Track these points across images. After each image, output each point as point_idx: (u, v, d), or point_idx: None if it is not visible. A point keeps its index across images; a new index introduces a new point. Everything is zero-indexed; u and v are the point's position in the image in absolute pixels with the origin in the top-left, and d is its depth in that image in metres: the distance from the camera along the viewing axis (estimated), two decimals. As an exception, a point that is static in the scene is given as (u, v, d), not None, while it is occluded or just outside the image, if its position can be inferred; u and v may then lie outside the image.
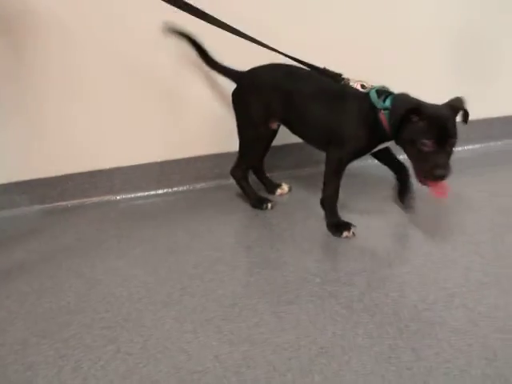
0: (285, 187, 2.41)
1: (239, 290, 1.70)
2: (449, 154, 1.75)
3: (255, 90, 2.10)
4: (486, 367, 1.34)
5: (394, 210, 2.15)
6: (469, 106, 1.80)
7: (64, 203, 2.47)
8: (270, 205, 2.26)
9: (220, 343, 1.49)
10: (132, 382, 1.38)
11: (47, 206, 2.48)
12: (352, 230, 1.97)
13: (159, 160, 2.49)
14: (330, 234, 1.99)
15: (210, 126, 2.47)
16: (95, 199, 2.49)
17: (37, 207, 2.46)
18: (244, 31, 1.88)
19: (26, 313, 1.69)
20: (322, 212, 2.05)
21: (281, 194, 2.40)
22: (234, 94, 2.17)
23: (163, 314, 1.62)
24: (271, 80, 2.07)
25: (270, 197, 2.36)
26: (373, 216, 2.11)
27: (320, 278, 1.74)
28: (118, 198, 2.49)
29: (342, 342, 1.46)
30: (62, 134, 2.38)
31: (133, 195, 2.50)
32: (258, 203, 2.27)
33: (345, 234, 1.97)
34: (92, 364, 1.45)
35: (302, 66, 1.96)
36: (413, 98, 1.79)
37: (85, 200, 2.49)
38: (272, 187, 2.42)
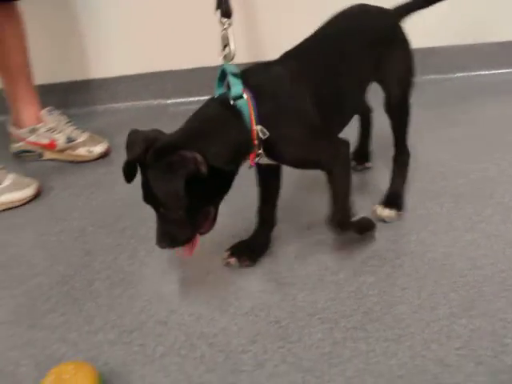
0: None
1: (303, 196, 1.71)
2: (165, 217, 1.16)
3: None
4: (542, 278, 1.34)
5: (447, 125, 2.09)
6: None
7: (116, 105, 2.48)
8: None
9: (272, 240, 1.50)
10: (185, 271, 1.42)
11: (99, 107, 2.49)
12: None
13: (213, 65, 2.44)
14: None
15: (265, 33, 2.40)
16: (146, 102, 2.48)
17: (88, 108, 2.47)
18: None
19: (82, 204, 1.74)
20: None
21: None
22: None
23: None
24: None
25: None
26: (425, 131, 2.06)
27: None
28: (168, 102, 2.48)
29: (395, 247, 1.47)
30: (116, 35, 2.36)
31: (184, 100, 2.48)
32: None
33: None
34: (147, 253, 1.49)
35: None
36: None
37: (136, 103, 2.48)
38: None
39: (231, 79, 1.17)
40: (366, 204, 1.61)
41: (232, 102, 1.15)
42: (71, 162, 1.99)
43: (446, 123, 2.11)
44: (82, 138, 2.00)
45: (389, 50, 1.45)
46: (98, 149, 2.00)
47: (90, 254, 1.51)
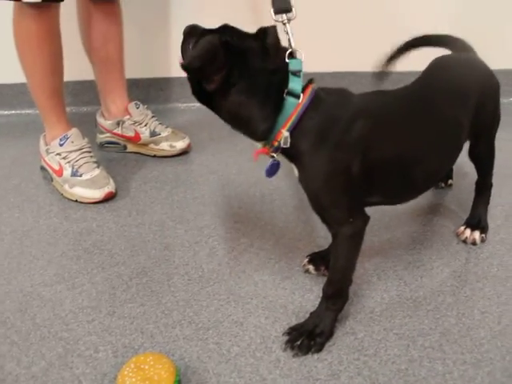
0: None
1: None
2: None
3: None
4: None
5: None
6: None
7: (197, 104, 2.39)
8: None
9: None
10: (263, 274, 1.44)
11: (180, 105, 2.53)
12: None
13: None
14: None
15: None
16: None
17: (170, 105, 2.52)
18: None
19: (163, 199, 1.78)
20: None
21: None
22: None
23: (295, 218, 1.65)
24: None
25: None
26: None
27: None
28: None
29: (476, 270, 1.44)
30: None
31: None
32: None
33: None
34: (226, 253, 1.52)
35: None
36: None
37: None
38: None
39: (290, 77, 1.07)
40: (445, 223, 1.59)
41: (284, 96, 1.07)
42: (153, 156, 2.04)
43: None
44: (165, 132, 2.04)
45: (484, 106, 1.35)
46: (180, 144, 2.04)
47: (169, 249, 1.54)
